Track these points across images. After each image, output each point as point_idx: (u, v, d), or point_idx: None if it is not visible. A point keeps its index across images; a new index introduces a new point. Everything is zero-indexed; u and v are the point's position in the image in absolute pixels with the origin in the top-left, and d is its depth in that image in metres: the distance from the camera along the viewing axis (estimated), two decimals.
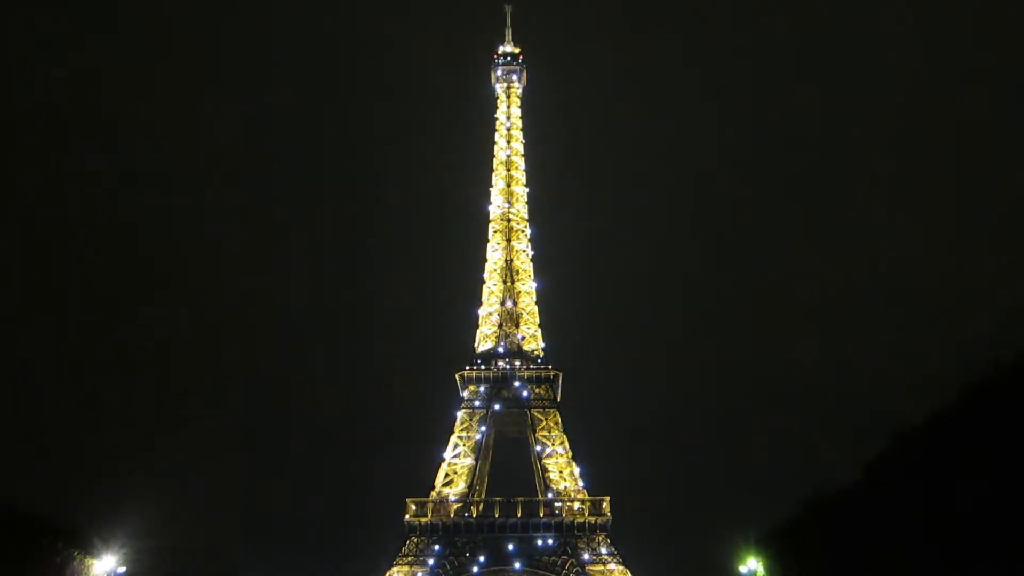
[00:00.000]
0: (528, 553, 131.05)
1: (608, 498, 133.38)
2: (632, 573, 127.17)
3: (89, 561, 31.06)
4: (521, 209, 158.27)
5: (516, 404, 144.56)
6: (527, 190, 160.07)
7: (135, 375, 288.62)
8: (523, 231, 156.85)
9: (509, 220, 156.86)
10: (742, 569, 36.57)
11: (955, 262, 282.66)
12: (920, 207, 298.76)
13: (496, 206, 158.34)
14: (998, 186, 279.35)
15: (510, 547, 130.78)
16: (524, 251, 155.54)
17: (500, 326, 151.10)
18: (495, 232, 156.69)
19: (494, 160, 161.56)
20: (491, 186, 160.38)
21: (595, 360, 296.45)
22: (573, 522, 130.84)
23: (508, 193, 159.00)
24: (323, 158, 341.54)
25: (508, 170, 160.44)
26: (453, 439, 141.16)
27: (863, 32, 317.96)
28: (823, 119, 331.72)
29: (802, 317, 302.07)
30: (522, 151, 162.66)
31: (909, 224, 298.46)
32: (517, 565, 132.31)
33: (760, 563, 35.15)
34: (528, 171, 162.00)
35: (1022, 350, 19.43)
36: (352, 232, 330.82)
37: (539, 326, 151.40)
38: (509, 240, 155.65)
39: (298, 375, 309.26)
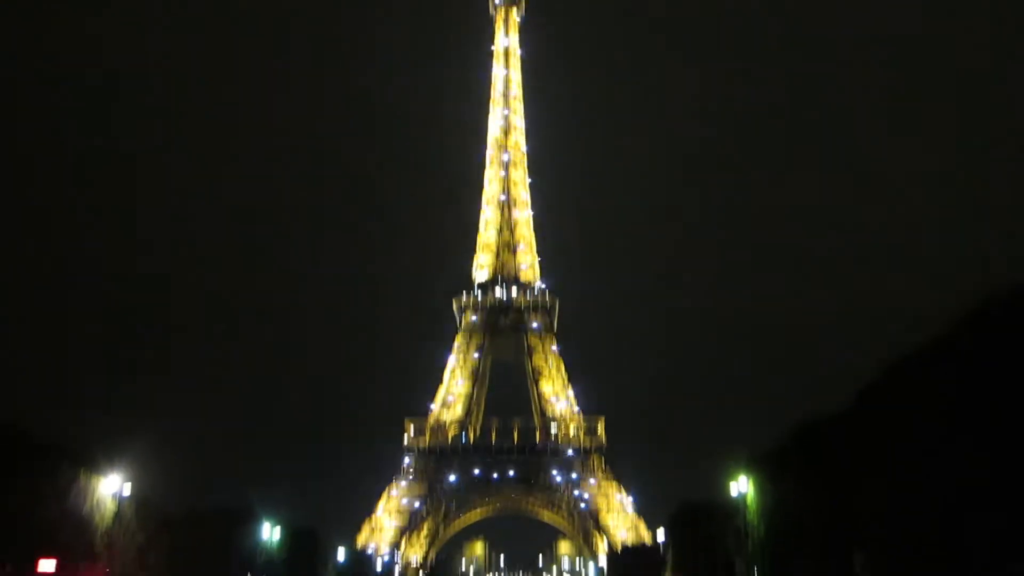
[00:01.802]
0: (524, 474, 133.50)
1: (603, 420, 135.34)
2: (625, 492, 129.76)
3: (95, 481, 31.64)
4: (519, 139, 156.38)
5: (513, 330, 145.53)
6: (525, 120, 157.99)
7: (142, 299, 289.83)
8: (520, 160, 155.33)
9: (507, 149, 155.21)
10: (733, 490, 37.32)
11: (954, 192, 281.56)
12: (920, 140, 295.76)
13: (494, 136, 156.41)
14: (1000, 117, 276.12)
15: (506, 468, 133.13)
16: (521, 180, 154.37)
17: (497, 254, 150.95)
18: (492, 161, 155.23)
19: (492, 90, 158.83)
20: (488, 115, 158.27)
21: (591, 286, 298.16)
22: (568, 444, 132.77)
23: (506, 123, 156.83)
24: (322, 88, 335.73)
25: (506, 100, 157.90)
26: (451, 364, 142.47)
27: None
28: (827, 64, 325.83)
29: (801, 244, 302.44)
30: (520, 80, 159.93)
31: (911, 155, 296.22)
32: (513, 485, 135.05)
33: (751, 483, 35.89)
34: (526, 101, 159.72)
35: (1018, 279, 19.52)
36: (352, 162, 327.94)
37: (536, 254, 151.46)
38: (507, 169, 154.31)
39: (302, 303, 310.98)
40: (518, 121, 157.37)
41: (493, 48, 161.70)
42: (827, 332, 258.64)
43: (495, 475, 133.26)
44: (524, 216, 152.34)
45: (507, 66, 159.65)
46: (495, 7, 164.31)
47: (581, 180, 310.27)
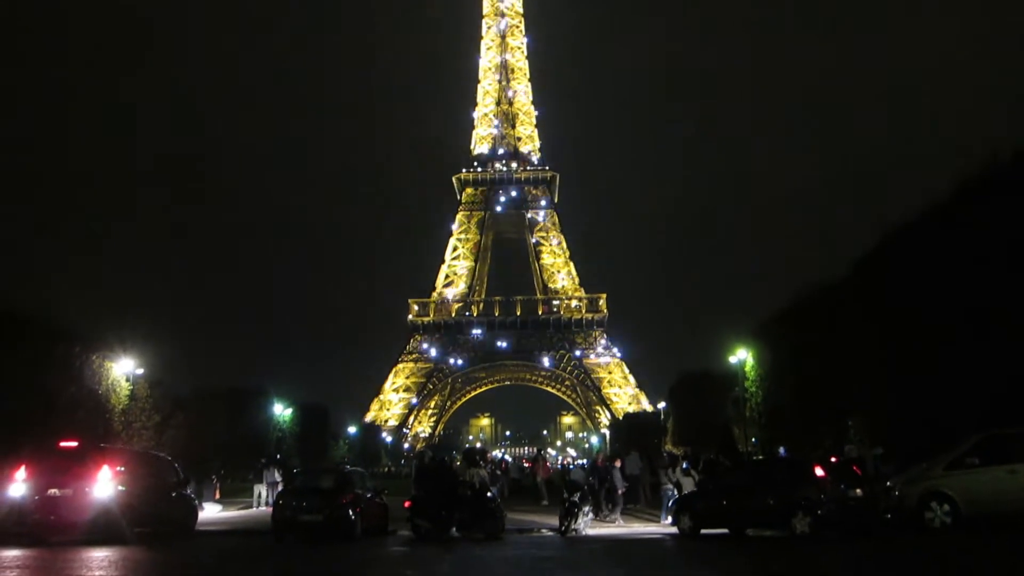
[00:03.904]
0: (527, 347, 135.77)
1: (604, 295, 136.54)
2: (627, 366, 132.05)
3: (108, 364, 32.35)
4: (516, 3, 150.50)
5: (513, 206, 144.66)
6: None
7: (142, 189, 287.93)
8: (518, 26, 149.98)
9: (504, 15, 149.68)
10: (732, 359, 38.10)
11: (960, 62, 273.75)
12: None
13: (490, 1, 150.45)
14: None
15: (510, 343, 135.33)
16: (520, 48, 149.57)
17: (496, 127, 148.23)
18: (489, 28, 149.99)
19: None
20: None
21: (593, 160, 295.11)
22: (571, 319, 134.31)
23: None
24: None
25: None
26: (452, 242, 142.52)
27: None
28: None
29: (803, 112, 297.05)
30: None
31: (914, 19, 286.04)
32: (517, 359, 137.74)
33: (750, 353, 36.60)
34: None
35: (1020, 146, 19.22)
36: (346, 27, 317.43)
37: (535, 126, 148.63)
38: (504, 37, 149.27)
39: (301, 185, 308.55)
40: None
41: None
42: (831, 200, 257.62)
43: (499, 349, 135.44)
44: (523, 86, 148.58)
45: None
46: None
47: (585, 45, 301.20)
